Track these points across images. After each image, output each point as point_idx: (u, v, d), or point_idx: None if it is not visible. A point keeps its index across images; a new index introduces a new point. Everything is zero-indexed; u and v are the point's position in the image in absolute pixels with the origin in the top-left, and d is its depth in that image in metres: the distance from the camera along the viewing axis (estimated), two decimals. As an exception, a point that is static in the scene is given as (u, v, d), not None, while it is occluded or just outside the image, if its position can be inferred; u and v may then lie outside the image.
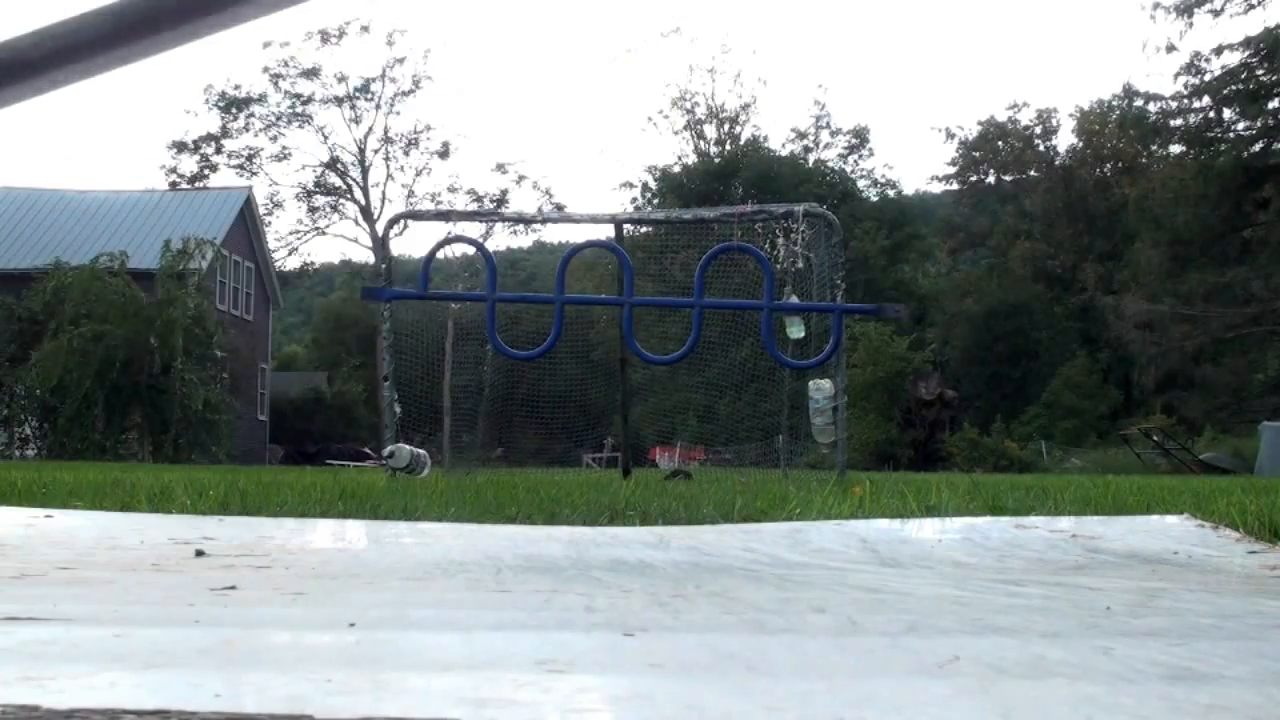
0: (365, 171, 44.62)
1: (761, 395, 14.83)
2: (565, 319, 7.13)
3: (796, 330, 8.67)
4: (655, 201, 50.54)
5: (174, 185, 40.84)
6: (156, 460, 23.04)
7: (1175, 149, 41.67)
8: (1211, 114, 37.97)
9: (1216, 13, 34.60)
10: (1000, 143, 48.57)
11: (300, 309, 65.39)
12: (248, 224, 36.91)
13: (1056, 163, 47.95)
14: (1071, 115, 48.54)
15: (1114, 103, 46.74)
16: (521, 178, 46.14)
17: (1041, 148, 48.78)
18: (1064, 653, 1.26)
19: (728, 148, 53.05)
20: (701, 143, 54.22)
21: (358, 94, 44.35)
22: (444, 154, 45.23)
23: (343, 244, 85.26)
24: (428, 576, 1.87)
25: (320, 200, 44.75)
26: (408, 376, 11.58)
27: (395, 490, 4.73)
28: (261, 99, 43.62)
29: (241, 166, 43.38)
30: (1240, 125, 37.33)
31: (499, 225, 43.01)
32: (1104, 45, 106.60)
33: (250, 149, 43.55)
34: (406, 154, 45.22)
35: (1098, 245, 44.45)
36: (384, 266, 10.28)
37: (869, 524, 2.93)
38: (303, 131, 45.32)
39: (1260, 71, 34.53)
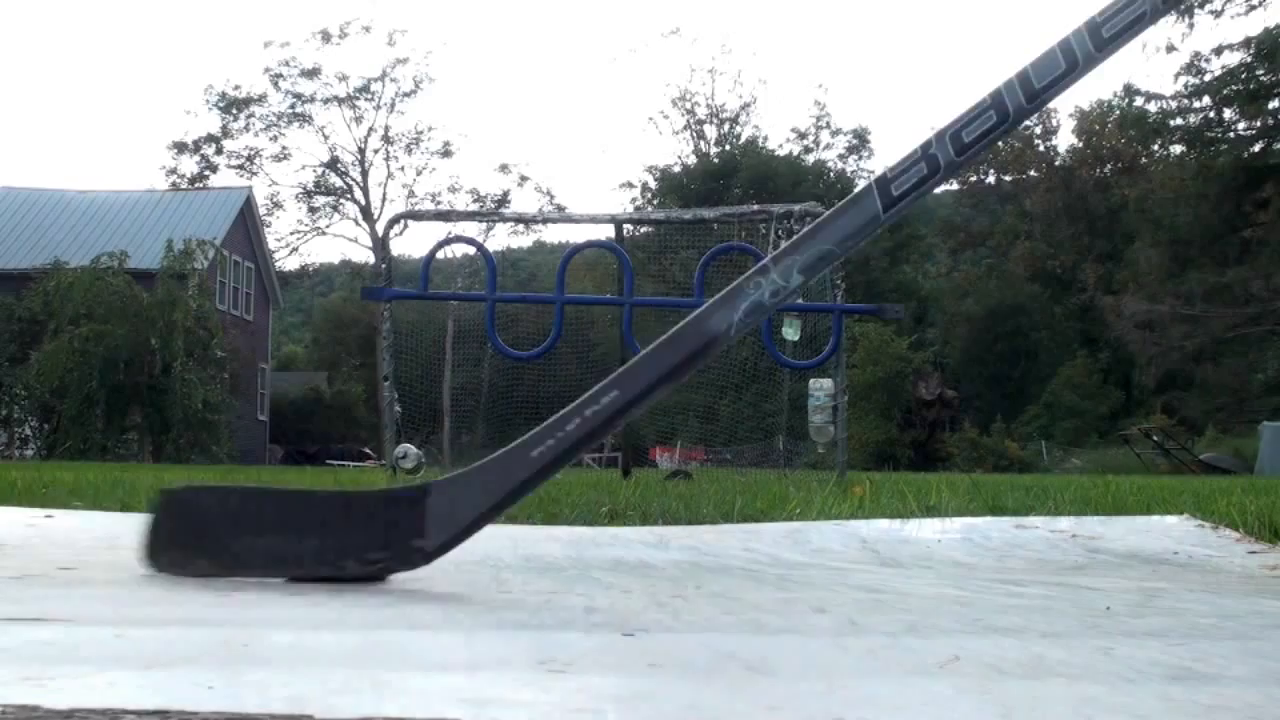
0: (365, 171, 44.65)
1: (762, 396, 14.85)
2: (565, 319, 7.14)
3: (792, 333, 8.66)
4: (655, 201, 50.58)
5: (174, 186, 40.84)
6: (157, 460, 23.04)
7: (1175, 149, 41.70)
8: (1211, 114, 37.99)
9: (1217, 13, 34.62)
10: (1000, 143, 48.50)
11: (300, 309, 65.40)
12: (248, 224, 36.93)
13: (1056, 163, 47.98)
14: (1071, 115, 48.59)
15: (1114, 103, 46.76)
16: (524, 179, 46.21)
17: (1041, 148, 48.81)
18: (1064, 653, 1.26)
19: (728, 148, 53.08)
20: (701, 143, 54.27)
21: (358, 94, 44.38)
22: (445, 153, 45.26)
23: (343, 244, 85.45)
24: (427, 576, 1.87)
25: (320, 200, 44.79)
26: (408, 376, 11.59)
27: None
28: (262, 99, 43.66)
29: (241, 167, 43.45)
30: (1240, 125, 37.36)
31: (499, 225, 43.18)
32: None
33: (250, 149, 43.61)
34: (409, 153, 45.27)
35: (1098, 245, 44.46)
36: (384, 266, 10.28)
37: (869, 524, 2.93)
38: (303, 131, 45.44)
39: (1260, 71, 34.54)
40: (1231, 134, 37.56)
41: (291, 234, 44.95)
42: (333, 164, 44.56)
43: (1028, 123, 48.51)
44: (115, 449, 24.28)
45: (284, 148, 43.96)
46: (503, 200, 44.80)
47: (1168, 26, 36.11)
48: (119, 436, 24.90)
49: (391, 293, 7.82)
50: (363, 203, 44.37)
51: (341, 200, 44.96)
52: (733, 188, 48.34)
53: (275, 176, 45.45)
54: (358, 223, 44.54)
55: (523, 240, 49.97)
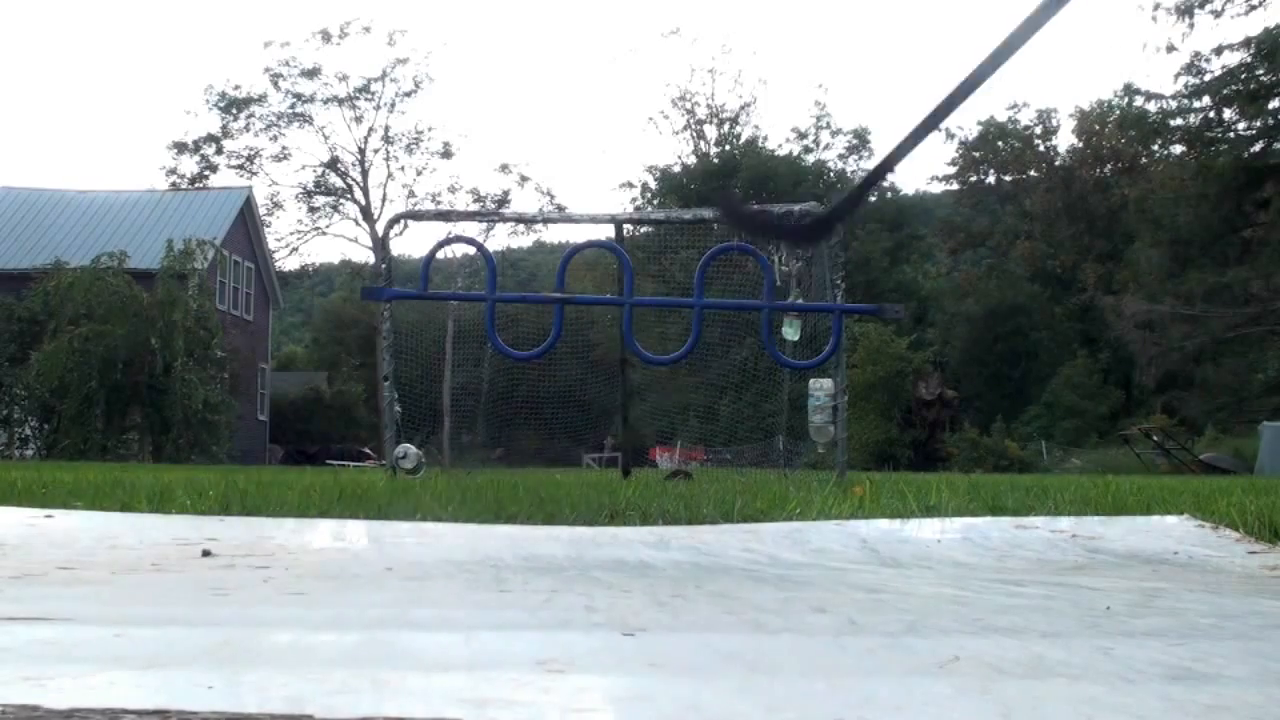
0: (365, 171, 44.63)
1: (762, 396, 14.85)
2: (565, 319, 7.13)
3: (792, 333, 8.64)
4: (655, 201, 50.57)
5: (174, 186, 40.82)
6: (157, 460, 23.03)
7: (1175, 149, 41.68)
8: (1211, 114, 37.96)
9: (1217, 13, 34.59)
10: (1000, 143, 48.56)
11: (300, 309, 65.39)
12: (248, 224, 36.92)
13: (1056, 163, 47.96)
14: (1071, 115, 48.54)
15: (1114, 103, 46.74)
16: (524, 179, 46.16)
17: (1041, 148, 48.78)
18: (1064, 653, 1.26)
19: (728, 148, 53.08)
20: (701, 143, 54.27)
21: (358, 94, 44.37)
22: (445, 154, 45.23)
23: (343, 244, 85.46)
24: (428, 576, 1.87)
25: (320, 200, 44.76)
26: (408, 376, 11.59)
27: (395, 490, 4.73)
28: (262, 99, 43.64)
29: (241, 167, 43.40)
30: (1240, 125, 37.33)
31: (499, 225, 43.18)
32: (1104, 45, 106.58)
33: (250, 149, 43.57)
34: (409, 153, 45.24)
35: (1098, 245, 44.45)
36: (384, 266, 10.28)
37: (869, 524, 2.93)
38: (303, 131, 45.34)
39: (1260, 71, 34.50)
40: (1231, 134, 37.51)
41: (291, 234, 44.94)
42: (333, 164, 44.54)
43: (1028, 122, 48.73)
44: (115, 449, 24.28)
45: (284, 148, 43.96)
46: (503, 200, 44.78)
47: (1168, 25, 36.13)
48: (119, 436, 24.90)
49: (391, 293, 7.81)
50: (363, 203, 44.35)
51: (341, 200, 44.94)
52: (733, 188, 48.30)
53: (275, 176, 45.43)
54: (358, 223, 44.54)
55: (523, 240, 49.93)
